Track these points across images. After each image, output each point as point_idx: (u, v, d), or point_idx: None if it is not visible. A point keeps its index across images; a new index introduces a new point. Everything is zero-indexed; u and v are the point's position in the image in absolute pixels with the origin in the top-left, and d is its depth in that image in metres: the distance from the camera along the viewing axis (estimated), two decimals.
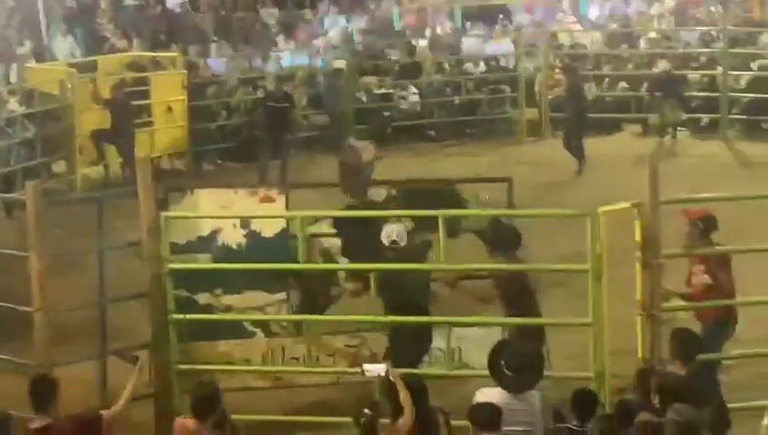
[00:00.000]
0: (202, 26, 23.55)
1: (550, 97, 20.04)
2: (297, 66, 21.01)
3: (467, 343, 9.17)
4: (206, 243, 9.24)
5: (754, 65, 19.85)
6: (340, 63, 19.97)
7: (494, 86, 20.73)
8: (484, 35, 22.61)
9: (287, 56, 21.52)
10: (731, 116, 19.16)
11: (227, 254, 9.21)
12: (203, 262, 9.19)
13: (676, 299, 9.10)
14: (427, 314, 9.20)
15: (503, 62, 21.56)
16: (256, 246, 9.19)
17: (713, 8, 23.35)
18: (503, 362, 7.39)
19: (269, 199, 9.29)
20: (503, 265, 9.10)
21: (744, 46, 20.29)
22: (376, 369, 7.52)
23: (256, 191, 9.37)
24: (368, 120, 19.88)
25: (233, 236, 9.19)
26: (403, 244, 9.15)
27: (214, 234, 9.22)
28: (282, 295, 9.32)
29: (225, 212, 9.25)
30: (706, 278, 9.07)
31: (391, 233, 9.14)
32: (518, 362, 7.36)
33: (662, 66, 19.67)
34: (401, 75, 21.04)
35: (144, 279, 9.06)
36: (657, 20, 22.93)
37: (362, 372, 7.73)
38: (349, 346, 9.36)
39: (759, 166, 17.11)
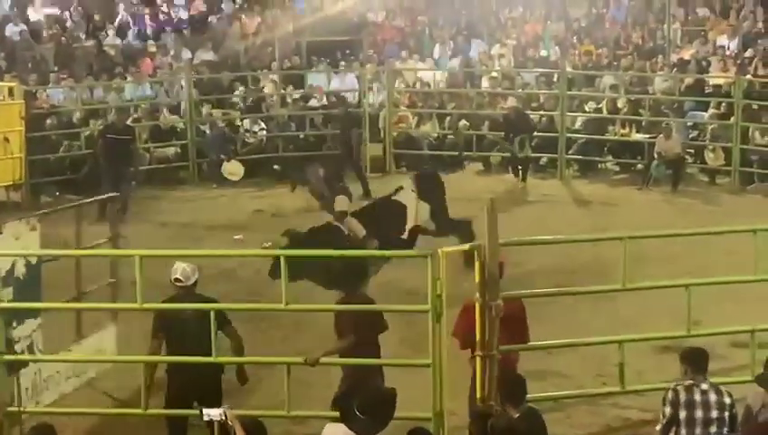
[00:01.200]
0: (43, 55, 23.02)
1: (394, 134, 20.29)
2: (142, 98, 20.71)
3: None
4: (9, 277, 9.40)
5: (588, 107, 20.46)
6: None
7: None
8: (329, 71, 22.71)
9: (129, 87, 21.21)
10: (568, 156, 19.65)
11: (19, 285, 9.51)
12: (7, 296, 9.33)
13: None
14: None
15: (348, 98, 21.64)
16: (30, 273, 9.63)
17: (545, 52, 23.97)
18: (355, 405, 7.34)
19: (34, 228, 9.85)
20: (342, 306, 9.09)
21: (581, 88, 20.89)
22: (213, 413, 7.43)
23: (29, 220, 9.86)
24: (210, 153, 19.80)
25: (20, 267, 9.57)
26: (189, 283, 8.95)
27: (13, 267, 9.48)
28: (39, 320, 9.88)
29: (18, 244, 9.55)
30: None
31: (176, 271, 9.01)
32: (371, 404, 7.32)
33: (510, 103, 20.02)
34: (247, 109, 20.96)
35: None
36: (497, 60, 23.39)
37: (201, 416, 7.63)
38: None
39: (594, 205, 17.61)
